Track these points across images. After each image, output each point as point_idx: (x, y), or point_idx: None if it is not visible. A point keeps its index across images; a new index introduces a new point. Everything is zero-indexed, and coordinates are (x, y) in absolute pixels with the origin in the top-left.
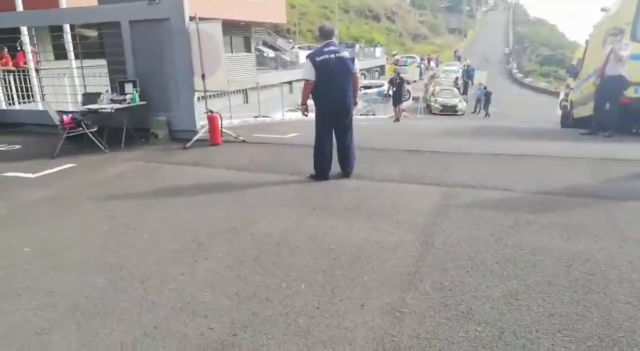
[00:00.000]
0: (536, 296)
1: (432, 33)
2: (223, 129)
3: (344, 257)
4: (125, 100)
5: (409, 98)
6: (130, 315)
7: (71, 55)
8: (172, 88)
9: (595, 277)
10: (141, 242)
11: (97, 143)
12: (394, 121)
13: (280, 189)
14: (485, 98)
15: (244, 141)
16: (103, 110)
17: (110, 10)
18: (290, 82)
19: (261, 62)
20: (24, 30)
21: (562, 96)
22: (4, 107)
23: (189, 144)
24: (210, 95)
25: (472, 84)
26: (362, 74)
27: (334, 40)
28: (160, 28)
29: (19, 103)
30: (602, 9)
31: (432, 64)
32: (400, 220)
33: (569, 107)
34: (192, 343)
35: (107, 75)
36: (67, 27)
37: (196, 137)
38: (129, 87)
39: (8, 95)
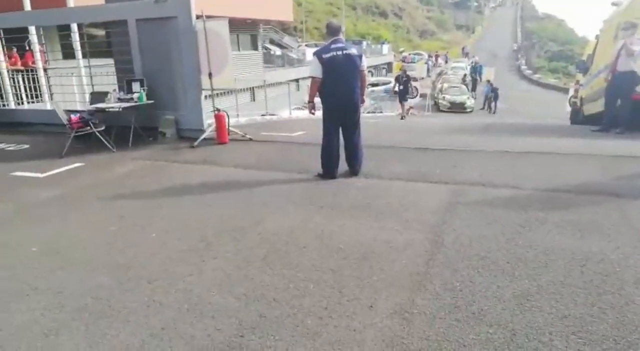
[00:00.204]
0: (549, 297)
1: (440, 29)
2: (230, 128)
3: (353, 257)
4: (132, 99)
5: (417, 95)
6: (137, 316)
7: (79, 54)
8: (180, 87)
9: (610, 278)
10: (149, 242)
11: (105, 142)
12: (401, 118)
13: (288, 188)
14: (492, 95)
15: (251, 139)
16: (111, 109)
17: (117, 8)
18: (297, 80)
19: (268, 60)
20: (32, 29)
21: (571, 92)
22: (13, 106)
23: (196, 143)
24: (217, 94)
25: (480, 80)
26: (369, 71)
27: (341, 37)
28: (167, 26)
29: (28, 102)
30: (613, 3)
31: (440, 60)
32: (409, 219)
33: (579, 104)
34: (199, 344)
35: (115, 74)
36: (74, 26)
37: (203, 136)
38: (136, 86)
39: (17, 95)
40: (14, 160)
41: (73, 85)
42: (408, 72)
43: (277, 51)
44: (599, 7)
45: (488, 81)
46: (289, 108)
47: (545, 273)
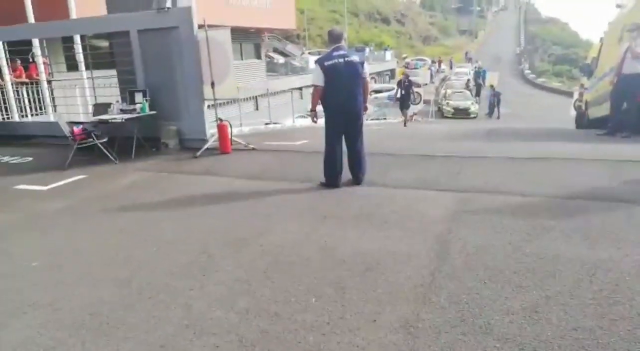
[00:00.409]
0: (557, 308)
1: (443, 35)
2: (233, 137)
3: (356, 268)
4: (135, 109)
5: (420, 101)
6: (137, 333)
7: (82, 66)
8: (182, 97)
9: (620, 287)
10: (150, 255)
11: (108, 154)
12: (404, 125)
13: (291, 198)
14: (495, 100)
15: (254, 149)
16: (113, 121)
17: (120, 19)
18: (300, 88)
19: (271, 68)
20: (36, 41)
21: (576, 96)
22: (17, 119)
23: (199, 153)
24: (220, 103)
25: (484, 85)
26: (372, 77)
27: (343, 44)
28: (169, 36)
29: (32, 115)
30: (618, 6)
31: (444, 66)
32: (414, 228)
33: (583, 107)
34: None
35: (118, 85)
36: (77, 38)
37: (206, 146)
38: (139, 97)
39: (21, 107)
40: (18, 173)
41: (76, 97)
42: (411, 77)
43: (281, 59)
44: (603, 10)
45: (491, 86)
46: (292, 116)
47: (554, 284)
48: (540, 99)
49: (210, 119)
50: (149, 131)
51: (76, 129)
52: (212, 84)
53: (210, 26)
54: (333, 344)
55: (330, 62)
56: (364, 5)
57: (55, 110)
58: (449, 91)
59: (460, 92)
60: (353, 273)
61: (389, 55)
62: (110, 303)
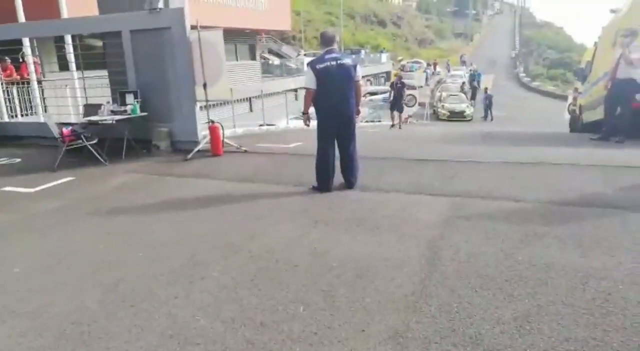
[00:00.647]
0: (549, 318)
1: (438, 37)
2: (225, 139)
3: (346, 275)
4: (125, 111)
5: (415, 104)
6: (118, 343)
7: (73, 66)
8: (174, 99)
9: (613, 297)
10: (136, 261)
11: (97, 155)
12: (391, 126)
13: (282, 201)
14: (487, 102)
15: (246, 151)
16: (104, 122)
17: (111, 19)
18: (295, 90)
19: (266, 69)
20: (26, 41)
21: (570, 100)
22: (6, 119)
23: (190, 155)
24: (213, 104)
25: (479, 88)
26: (367, 80)
27: (335, 46)
28: (162, 37)
29: (22, 115)
30: (612, 10)
31: (439, 68)
32: (407, 234)
33: (577, 112)
34: None
35: (109, 85)
36: (68, 38)
37: (197, 148)
38: (129, 98)
39: (10, 107)
40: (5, 174)
41: (67, 98)
42: (406, 80)
43: (276, 61)
44: (597, 14)
45: (485, 89)
46: (287, 118)
47: (546, 292)
48: (535, 102)
49: (202, 121)
50: (140, 132)
51: (65, 130)
52: (205, 85)
53: (203, 27)
54: None
55: (322, 65)
56: (360, 8)
57: (45, 111)
58: (444, 94)
59: (456, 95)
60: (343, 280)
61: (384, 57)
62: (93, 311)
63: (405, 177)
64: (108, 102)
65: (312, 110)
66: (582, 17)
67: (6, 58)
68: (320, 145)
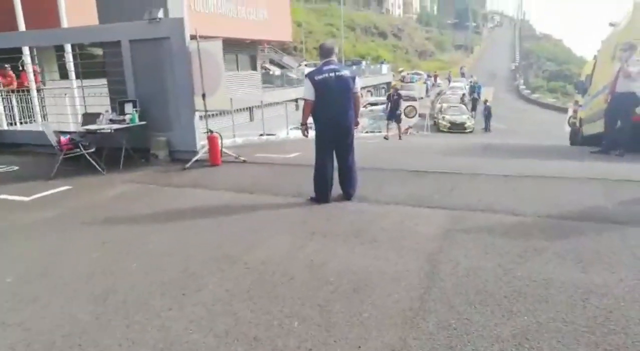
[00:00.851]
0: (549, 336)
1: (439, 49)
2: (223, 149)
3: (343, 289)
4: (124, 120)
5: (415, 115)
6: None
7: (72, 74)
8: (173, 108)
9: (614, 314)
10: (130, 272)
11: (95, 164)
12: (384, 138)
13: (279, 212)
14: (487, 113)
15: (244, 161)
16: (102, 131)
17: (111, 29)
18: (296, 100)
19: (267, 80)
20: (26, 49)
21: (570, 113)
22: (5, 127)
23: (188, 165)
24: (213, 114)
25: (479, 99)
26: (368, 91)
27: (334, 58)
28: (161, 47)
29: (21, 123)
30: (611, 24)
31: (439, 80)
32: (405, 247)
33: (577, 124)
34: None
35: (108, 95)
36: (68, 47)
37: (196, 158)
38: (128, 107)
39: (10, 115)
40: (2, 182)
41: (67, 106)
42: (406, 91)
43: (277, 71)
44: (596, 27)
45: (485, 101)
46: (286, 128)
47: (546, 309)
48: (535, 115)
49: (201, 130)
50: (139, 142)
51: (63, 139)
52: (203, 95)
53: (202, 37)
54: None
55: (320, 77)
56: (361, 20)
57: (44, 119)
58: (444, 105)
59: (457, 106)
60: (339, 294)
61: (385, 68)
62: (83, 323)
63: (404, 188)
64: (107, 111)
65: (311, 120)
66: (581, 30)
67: (6, 66)
68: (319, 156)
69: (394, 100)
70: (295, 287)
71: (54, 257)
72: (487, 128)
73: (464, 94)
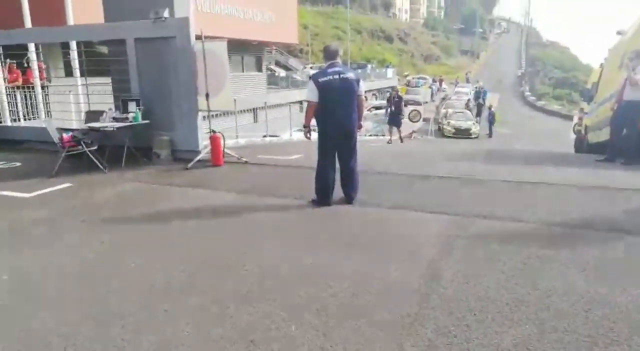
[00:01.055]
0: (551, 346)
1: (445, 54)
2: (225, 150)
3: (341, 294)
4: (127, 118)
5: (420, 119)
6: None
7: (77, 72)
8: (176, 108)
9: (617, 325)
10: (127, 272)
11: (97, 162)
12: (388, 142)
13: (280, 215)
14: (490, 119)
15: (246, 162)
16: (105, 129)
17: (116, 27)
18: (300, 102)
19: (272, 81)
20: (32, 46)
21: (575, 120)
22: (9, 123)
23: (190, 165)
24: (218, 114)
25: (485, 105)
26: (373, 94)
27: (339, 60)
28: (166, 46)
29: (25, 119)
30: (618, 32)
31: (444, 85)
32: (405, 253)
33: (583, 132)
34: None
35: (112, 93)
36: (73, 44)
37: (198, 158)
38: (132, 106)
39: (15, 112)
40: (3, 178)
41: (71, 103)
42: (411, 96)
43: (282, 73)
44: (604, 35)
45: (489, 107)
46: (290, 130)
47: (547, 318)
48: (540, 121)
49: (204, 130)
50: (141, 140)
51: (65, 136)
52: (207, 95)
53: (208, 37)
54: None
55: (324, 79)
56: (368, 23)
57: (48, 116)
58: (449, 111)
59: (462, 112)
60: (337, 299)
61: (390, 72)
62: (78, 325)
63: (406, 193)
64: (110, 109)
65: (314, 122)
66: (588, 38)
67: (12, 62)
68: (321, 158)
69: (396, 103)
70: (293, 291)
71: (51, 255)
72: (490, 134)
73: (469, 99)
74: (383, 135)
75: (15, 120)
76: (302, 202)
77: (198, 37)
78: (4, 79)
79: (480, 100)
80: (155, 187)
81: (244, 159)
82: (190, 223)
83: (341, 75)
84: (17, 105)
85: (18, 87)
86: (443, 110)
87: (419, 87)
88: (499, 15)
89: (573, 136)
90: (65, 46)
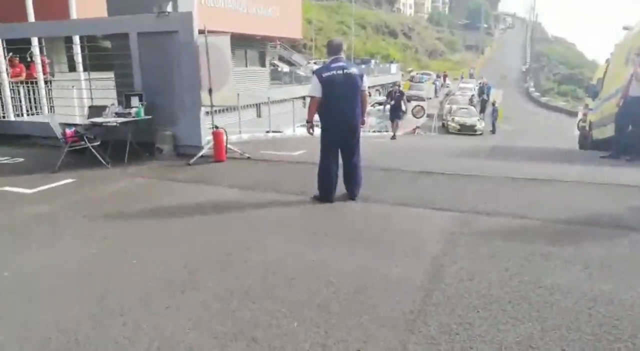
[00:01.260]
0: (554, 344)
1: (449, 50)
2: (228, 145)
3: (343, 291)
4: (130, 113)
5: (423, 115)
6: None
7: (80, 67)
8: (179, 103)
9: (621, 323)
10: (129, 268)
11: (99, 158)
12: (392, 138)
13: (282, 211)
14: (495, 114)
15: (249, 158)
16: (108, 124)
17: (119, 22)
18: (303, 97)
19: (275, 76)
20: (35, 41)
21: (580, 116)
22: (12, 118)
23: (192, 160)
24: (221, 110)
25: (489, 101)
26: (376, 90)
27: (342, 55)
28: (169, 41)
29: (28, 114)
30: (625, 28)
31: (448, 81)
32: (408, 249)
33: (587, 128)
34: None
35: (115, 87)
36: (76, 39)
37: (200, 153)
38: (135, 101)
39: (19, 106)
40: (6, 174)
41: (74, 98)
42: (415, 91)
43: (285, 68)
44: (610, 31)
45: (493, 103)
46: (293, 125)
47: (551, 316)
48: (544, 118)
49: (207, 126)
50: (144, 136)
51: (68, 131)
52: (210, 90)
53: (211, 32)
54: None
55: (328, 74)
56: (372, 18)
57: (51, 111)
58: (454, 107)
59: (466, 108)
60: (340, 296)
61: (394, 68)
62: (80, 320)
63: (409, 189)
64: (113, 104)
65: (317, 118)
66: (594, 34)
67: (15, 56)
68: (324, 154)
69: (397, 98)
70: (295, 288)
71: (53, 252)
72: (493, 130)
73: (472, 95)
74: (386, 131)
75: (18, 115)
76: (305, 198)
77: (201, 32)
78: (7, 74)
79: (484, 96)
80: (157, 182)
81: (247, 155)
82: (193, 219)
83: (345, 71)
84: (20, 100)
85: (21, 82)
86: (447, 106)
87: (422, 82)
88: (503, 11)
89: (577, 132)
90: (69, 41)
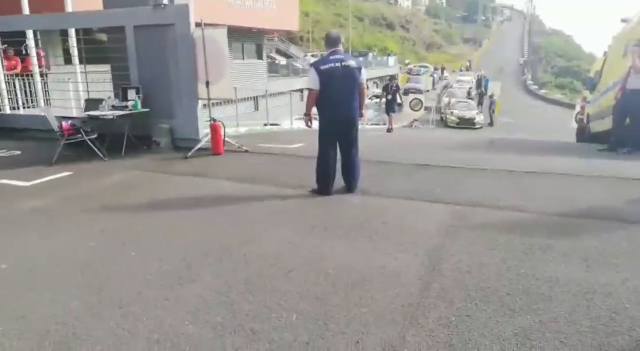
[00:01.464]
0: (552, 336)
1: (447, 42)
2: (226, 138)
3: (342, 283)
4: (126, 106)
5: (421, 108)
6: (102, 347)
7: (76, 60)
8: (176, 95)
9: (619, 316)
10: (127, 261)
11: (96, 150)
12: (387, 131)
13: (280, 204)
14: (492, 107)
15: (246, 151)
16: (104, 117)
17: (115, 15)
18: (301, 90)
19: (273, 69)
20: (30, 33)
21: (577, 109)
22: (8, 111)
23: (190, 153)
24: (218, 102)
25: (486, 94)
26: (374, 82)
27: (340, 48)
28: (165, 34)
29: (24, 107)
30: (623, 20)
31: (445, 73)
32: (406, 242)
33: (585, 121)
34: None
35: (111, 80)
36: (72, 31)
37: (198, 146)
38: (131, 94)
39: (15, 99)
40: (3, 167)
41: (70, 91)
42: (413, 84)
43: (282, 61)
44: (607, 23)
45: (491, 96)
46: (291, 118)
47: (549, 308)
48: (542, 110)
49: (204, 118)
50: (141, 129)
51: (65, 124)
52: (207, 83)
53: (208, 24)
54: None
55: (326, 66)
56: (369, 10)
57: (47, 104)
58: (452, 100)
59: (465, 101)
60: (338, 288)
61: (392, 60)
62: (78, 312)
63: (407, 182)
64: (109, 97)
65: (315, 111)
66: (592, 26)
67: (9, 49)
68: (322, 147)
69: (393, 92)
70: (294, 280)
71: (50, 244)
72: (491, 123)
73: (470, 88)
74: (384, 124)
75: (14, 108)
76: (303, 191)
77: (198, 24)
78: (2, 67)
79: (482, 89)
80: (155, 175)
81: (244, 148)
82: (190, 212)
83: (343, 63)
84: (16, 93)
85: (17, 75)
86: (445, 99)
87: (420, 75)
88: (501, 3)
89: (575, 125)
90: (65, 33)
